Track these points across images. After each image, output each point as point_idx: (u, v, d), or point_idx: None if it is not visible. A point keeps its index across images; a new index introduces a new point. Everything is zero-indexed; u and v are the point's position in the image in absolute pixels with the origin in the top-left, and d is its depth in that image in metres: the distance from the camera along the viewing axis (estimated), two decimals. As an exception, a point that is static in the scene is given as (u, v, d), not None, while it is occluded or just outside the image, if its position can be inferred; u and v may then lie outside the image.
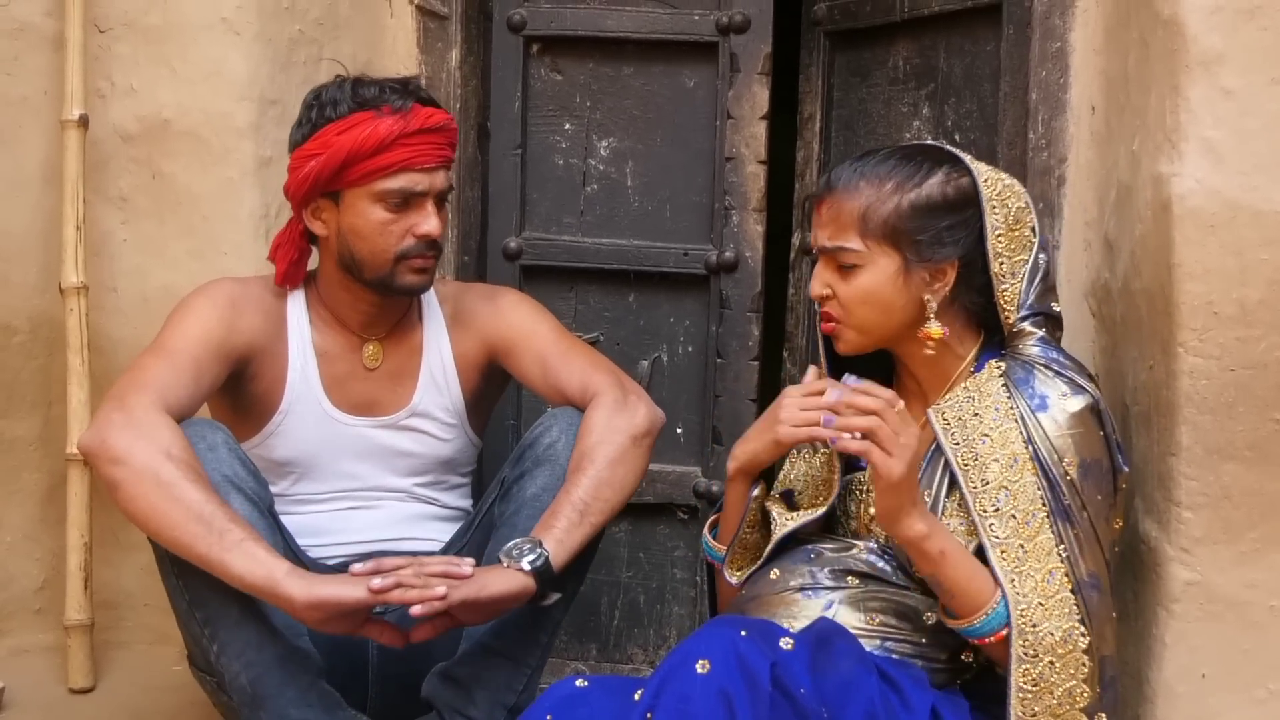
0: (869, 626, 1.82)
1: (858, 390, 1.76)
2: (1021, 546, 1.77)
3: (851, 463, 1.99)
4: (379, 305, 2.22)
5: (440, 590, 1.84)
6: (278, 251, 2.22)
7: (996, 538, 1.78)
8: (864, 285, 1.86)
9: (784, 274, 2.91)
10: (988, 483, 1.80)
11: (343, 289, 2.20)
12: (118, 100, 2.55)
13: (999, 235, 1.85)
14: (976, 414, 1.84)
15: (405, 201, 2.10)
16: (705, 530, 2.10)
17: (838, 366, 1.97)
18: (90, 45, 2.52)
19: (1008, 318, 1.86)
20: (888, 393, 1.76)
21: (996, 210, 1.85)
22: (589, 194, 2.78)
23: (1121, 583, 1.97)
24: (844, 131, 2.82)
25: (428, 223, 2.11)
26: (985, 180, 1.85)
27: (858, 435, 1.74)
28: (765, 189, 2.70)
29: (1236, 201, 1.87)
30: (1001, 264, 1.85)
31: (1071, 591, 1.76)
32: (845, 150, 2.80)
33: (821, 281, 1.89)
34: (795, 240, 2.88)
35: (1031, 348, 1.85)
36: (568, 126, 2.77)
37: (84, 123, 2.50)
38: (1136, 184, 2.02)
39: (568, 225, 2.78)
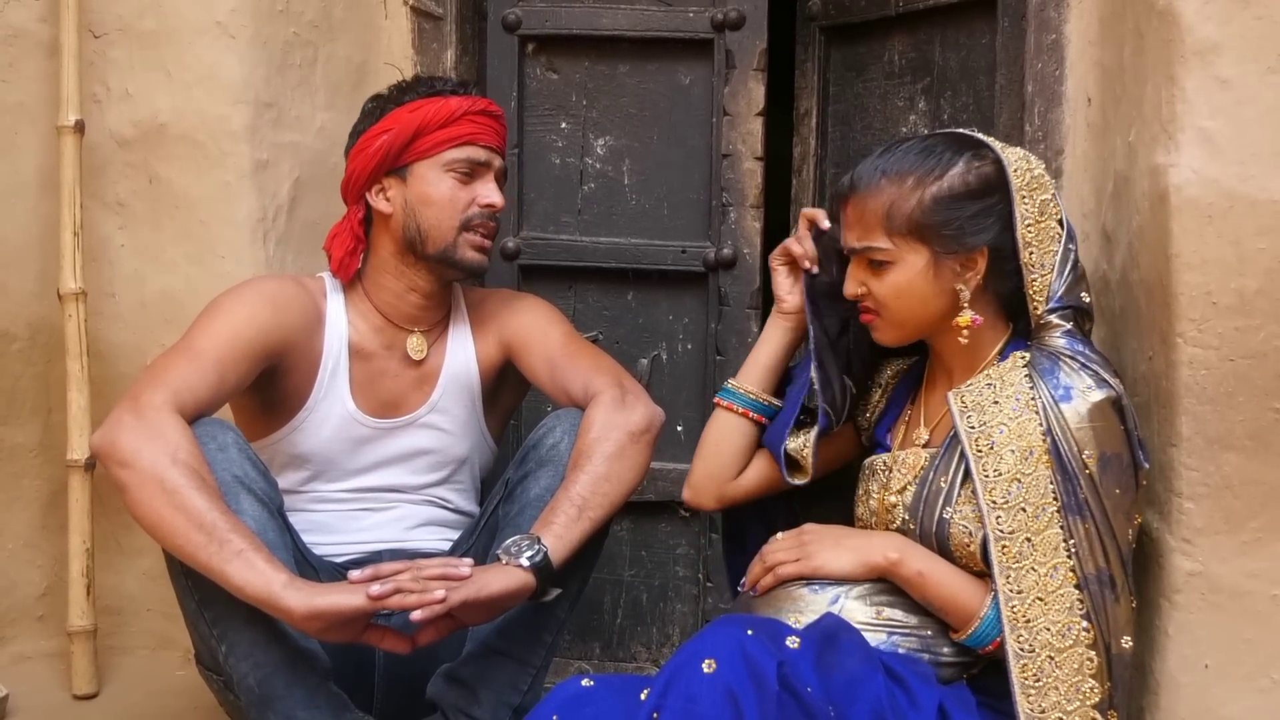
0: (876, 621, 1.83)
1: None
2: (1028, 540, 1.78)
3: (877, 440, 2.06)
4: (429, 294, 2.26)
5: (439, 594, 1.84)
6: (334, 241, 2.27)
7: (1000, 531, 1.79)
8: (896, 282, 1.88)
9: (782, 270, 2.90)
10: (1000, 473, 1.81)
11: (396, 276, 2.24)
12: (113, 105, 2.55)
13: (1028, 225, 1.85)
14: (996, 401, 1.85)
15: (471, 172, 2.21)
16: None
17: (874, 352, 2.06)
18: (85, 50, 2.52)
19: (1036, 308, 1.87)
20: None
21: (1026, 200, 1.85)
22: (586, 193, 2.78)
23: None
24: (840, 127, 2.82)
25: (492, 194, 2.23)
26: (1015, 170, 1.86)
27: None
28: (762, 185, 2.70)
29: (1233, 191, 1.87)
30: (1031, 254, 1.86)
31: (1076, 587, 1.77)
32: (842, 145, 2.80)
33: (856, 281, 1.92)
34: (793, 236, 2.87)
35: (1058, 339, 1.85)
36: (564, 125, 2.77)
37: (80, 128, 2.50)
38: (1133, 175, 2.02)
39: (565, 224, 2.78)
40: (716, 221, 2.70)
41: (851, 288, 1.93)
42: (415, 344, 2.27)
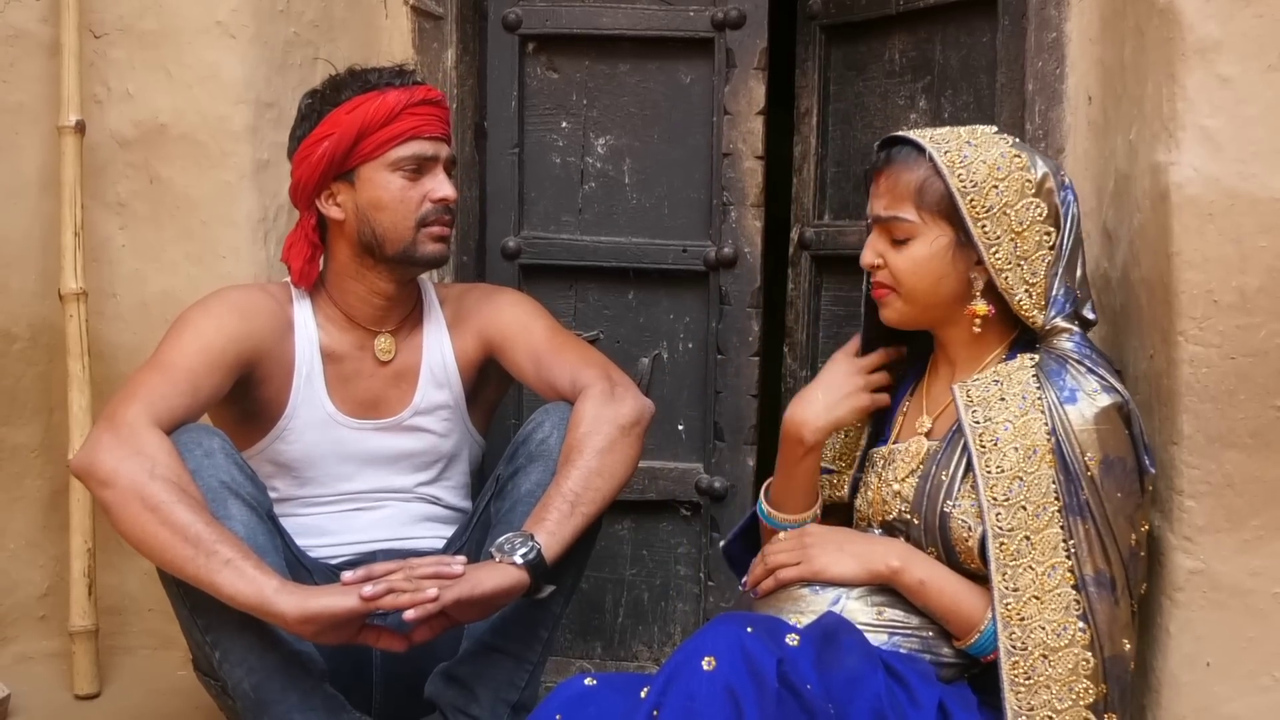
0: (877, 621, 1.83)
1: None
2: (1027, 538, 1.78)
3: (877, 433, 2.06)
4: (391, 295, 2.24)
5: (432, 593, 1.84)
6: (291, 250, 2.25)
7: (999, 528, 1.79)
8: (915, 256, 1.88)
9: (783, 269, 2.91)
10: (1003, 470, 1.81)
11: (356, 279, 2.22)
12: (114, 105, 2.55)
13: (995, 251, 1.84)
14: (1003, 398, 1.85)
15: (419, 168, 2.17)
16: (761, 497, 2.10)
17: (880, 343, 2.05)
18: (86, 51, 2.52)
19: (1034, 321, 1.86)
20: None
21: (986, 226, 1.84)
22: (587, 192, 2.78)
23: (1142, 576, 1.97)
24: (841, 125, 2.81)
25: (443, 187, 2.18)
26: (970, 200, 1.84)
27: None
28: (763, 184, 2.70)
29: (1234, 189, 1.87)
30: (1006, 277, 1.85)
31: (1073, 587, 1.77)
32: (843, 144, 2.80)
33: (874, 251, 1.92)
34: (794, 235, 2.87)
35: (1066, 343, 1.85)
36: (565, 125, 2.77)
37: (81, 128, 2.50)
38: (1134, 173, 2.02)
39: (566, 224, 2.78)
40: (717, 220, 2.70)
41: (869, 257, 1.92)
42: (383, 345, 2.26)
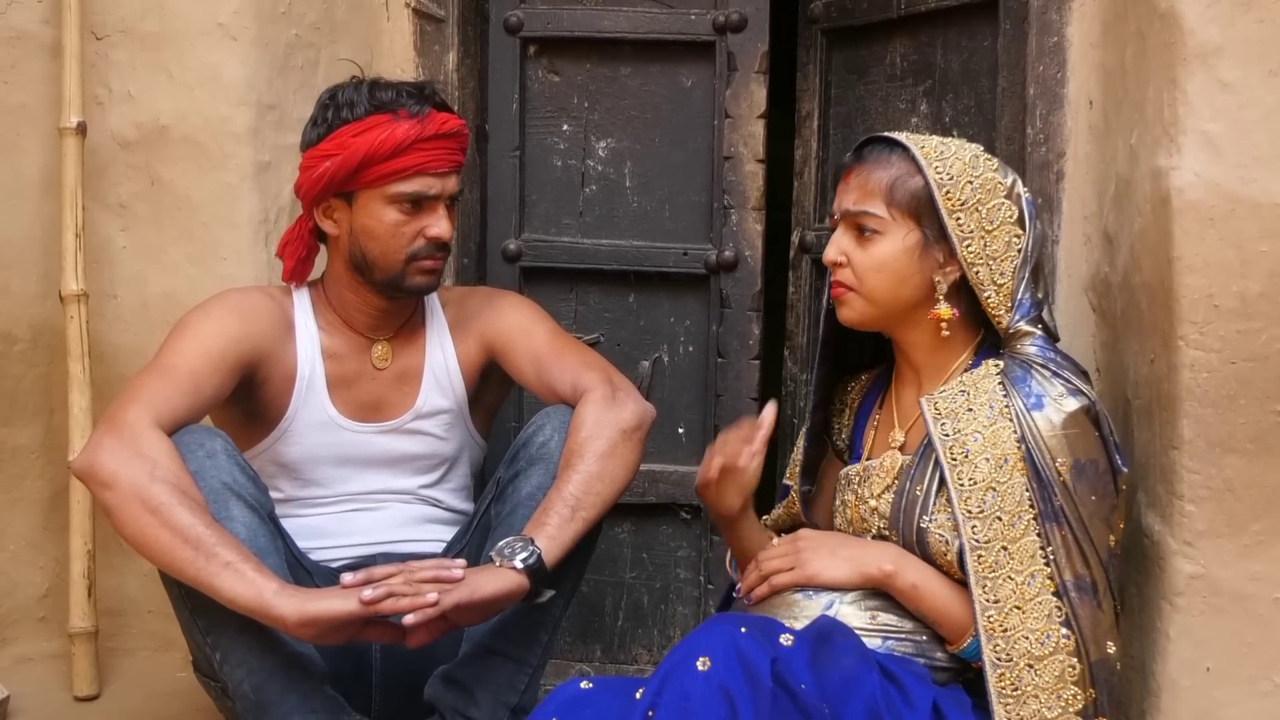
0: (871, 626, 1.83)
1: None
2: (1004, 549, 1.78)
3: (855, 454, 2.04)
4: (385, 307, 2.24)
5: (432, 597, 1.84)
6: (286, 248, 2.24)
7: (975, 540, 1.79)
8: (880, 254, 1.87)
9: (784, 272, 2.91)
10: (975, 482, 1.80)
11: (350, 290, 2.22)
12: (115, 107, 2.55)
13: (968, 245, 1.84)
14: (970, 409, 1.84)
15: (418, 204, 2.14)
16: (728, 566, 2.12)
17: (837, 355, 2.05)
18: (87, 52, 2.52)
19: (1000, 322, 1.86)
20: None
21: (960, 216, 1.84)
22: (588, 195, 2.78)
23: (1124, 576, 1.97)
24: (842, 129, 2.81)
25: (439, 225, 2.15)
26: (945, 193, 1.84)
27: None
28: (764, 187, 2.70)
29: (1235, 194, 1.87)
30: (979, 272, 1.85)
31: (1055, 594, 1.77)
32: (843, 148, 2.79)
33: (838, 247, 1.91)
34: (795, 238, 2.87)
35: (1029, 347, 1.85)
36: (566, 128, 2.77)
37: (82, 130, 2.50)
38: (1135, 178, 2.02)
39: (567, 226, 2.78)
40: (718, 224, 2.71)
41: (832, 253, 1.91)
42: (379, 352, 2.25)
